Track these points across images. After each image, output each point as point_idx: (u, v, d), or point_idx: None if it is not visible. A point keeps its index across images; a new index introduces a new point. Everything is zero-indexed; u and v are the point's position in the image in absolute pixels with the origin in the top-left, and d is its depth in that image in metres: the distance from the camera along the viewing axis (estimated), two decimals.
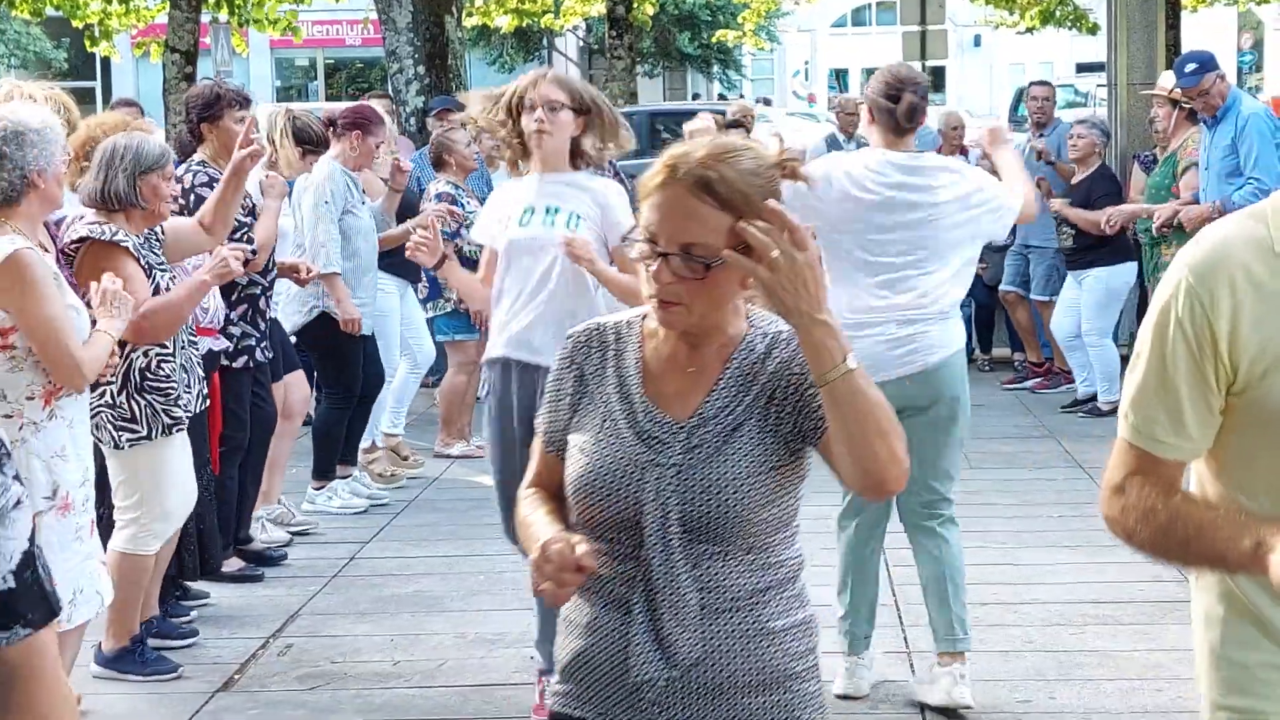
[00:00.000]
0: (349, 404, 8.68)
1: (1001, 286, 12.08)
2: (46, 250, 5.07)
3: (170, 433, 5.88)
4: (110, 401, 5.83)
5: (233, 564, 7.39)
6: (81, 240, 5.78)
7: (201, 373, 6.27)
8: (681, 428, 2.82)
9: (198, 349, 6.31)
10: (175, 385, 5.93)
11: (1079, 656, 6.10)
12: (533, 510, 2.93)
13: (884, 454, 2.65)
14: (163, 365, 5.93)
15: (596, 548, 2.70)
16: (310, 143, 7.95)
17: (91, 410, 5.39)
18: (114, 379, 5.79)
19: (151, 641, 6.22)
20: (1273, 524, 2.41)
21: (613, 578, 2.82)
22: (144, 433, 5.84)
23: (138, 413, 5.82)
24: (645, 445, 2.82)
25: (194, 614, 6.80)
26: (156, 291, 5.88)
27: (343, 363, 8.52)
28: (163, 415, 5.87)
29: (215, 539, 6.91)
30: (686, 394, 2.85)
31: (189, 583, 6.92)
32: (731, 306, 2.87)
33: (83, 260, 5.75)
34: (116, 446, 5.86)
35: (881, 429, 2.64)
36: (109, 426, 5.83)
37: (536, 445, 3.01)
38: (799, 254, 2.58)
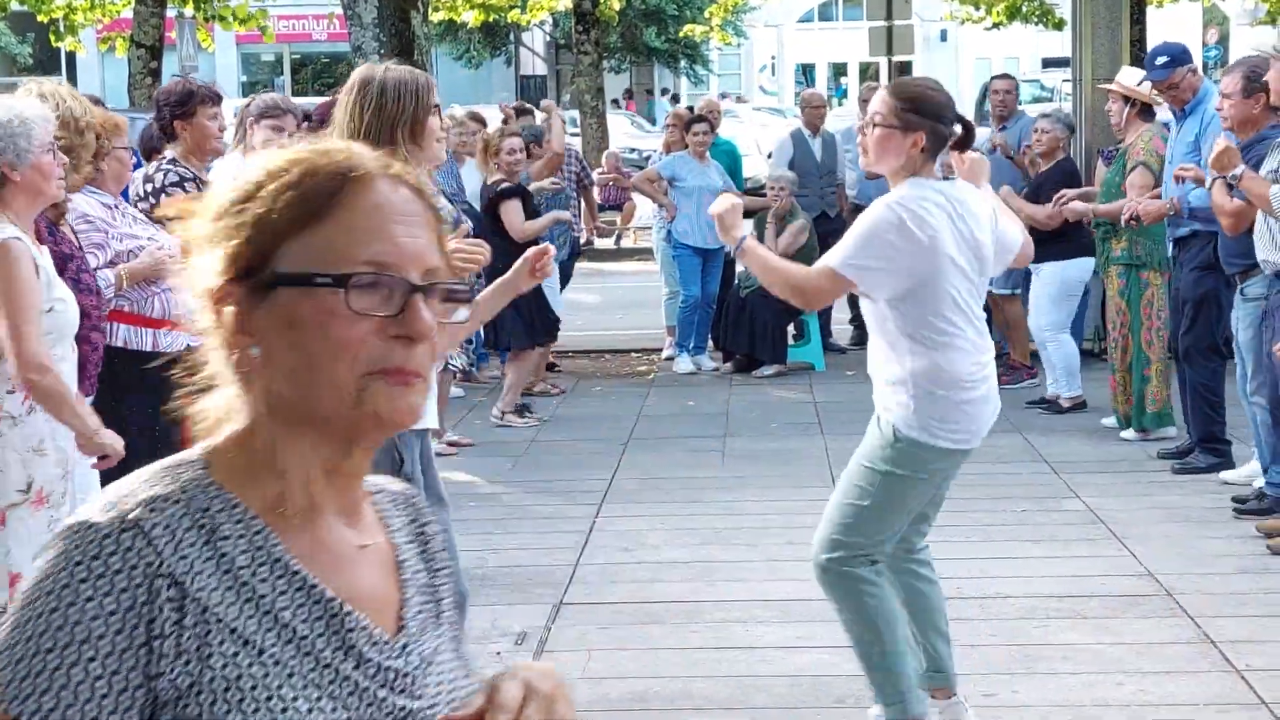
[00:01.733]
0: None
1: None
2: (42, 243, 5.05)
3: None
4: None
5: None
6: None
7: None
8: (403, 649, 1.72)
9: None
10: None
11: (1041, 650, 6.14)
12: None
13: None
14: None
15: None
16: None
17: None
18: None
19: None
20: None
21: None
22: None
23: None
24: (390, 690, 1.68)
25: None
26: None
27: None
28: None
29: None
30: (378, 590, 1.74)
31: None
32: None
33: None
34: None
35: None
36: None
37: None
38: (545, 683, 1.62)
